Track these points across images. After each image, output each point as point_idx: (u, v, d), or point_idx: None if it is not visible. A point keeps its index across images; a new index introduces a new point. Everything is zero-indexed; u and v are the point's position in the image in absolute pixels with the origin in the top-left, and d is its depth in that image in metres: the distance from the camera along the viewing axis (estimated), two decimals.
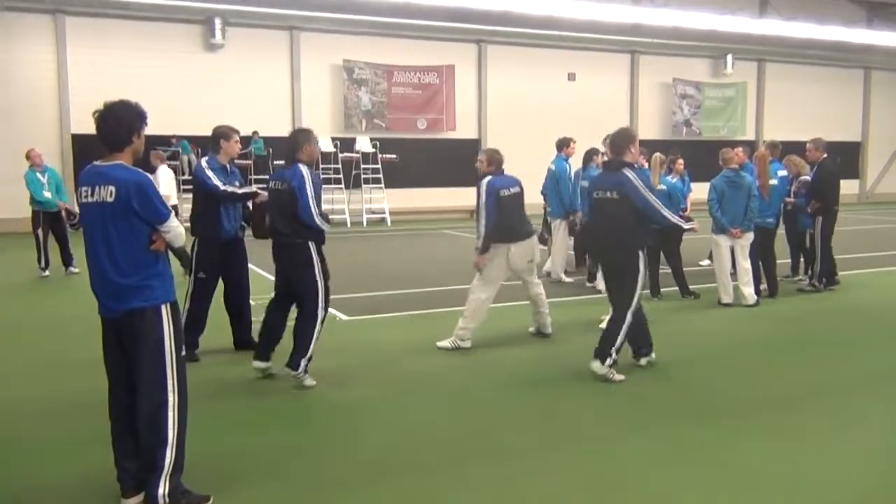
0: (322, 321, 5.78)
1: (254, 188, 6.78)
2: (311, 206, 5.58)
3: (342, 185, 21.17)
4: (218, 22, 19.79)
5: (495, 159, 6.84)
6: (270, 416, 5.22)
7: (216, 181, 6.31)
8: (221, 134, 6.47)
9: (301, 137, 5.80)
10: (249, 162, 20.28)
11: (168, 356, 3.72)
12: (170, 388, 3.72)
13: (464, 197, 23.86)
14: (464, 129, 23.40)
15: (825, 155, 9.37)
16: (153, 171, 11.35)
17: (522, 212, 6.92)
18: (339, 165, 21.16)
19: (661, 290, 9.19)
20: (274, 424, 5.04)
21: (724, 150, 8.86)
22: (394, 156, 21.78)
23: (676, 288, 9.30)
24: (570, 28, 22.85)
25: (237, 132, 6.56)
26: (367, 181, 21.54)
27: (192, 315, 6.44)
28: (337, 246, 15.86)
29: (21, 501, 3.89)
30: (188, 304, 6.46)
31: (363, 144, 21.54)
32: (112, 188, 3.59)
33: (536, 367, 6.32)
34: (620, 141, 5.91)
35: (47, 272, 11.48)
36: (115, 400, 3.80)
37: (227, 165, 6.52)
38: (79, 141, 18.52)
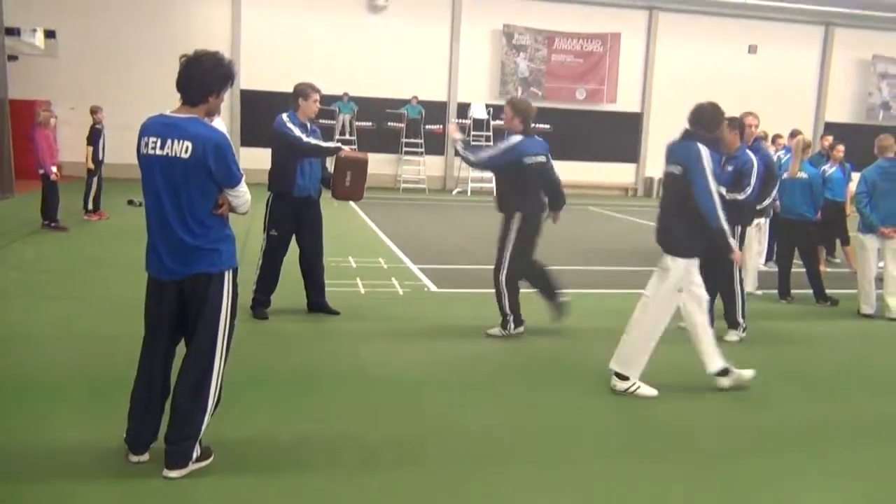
0: None
1: (337, 143, 6.59)
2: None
3: None
4: None
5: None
6: (306, 381, 5.07)
7: (298, 132, 6.19)
8: (300, 92, 6.30)
9: None
10: (402, 125, 20.52)
11: (223, 323, 3.60)
12: (218, 355, 3.60)
13: (619, 173, 22.88)
14: (625, 102, 22.25)
15: None
16: None
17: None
18: (491, 133, 20.83)
19: (793, 291, 8.13)
20: (305, 390, 4.88)
21: (882, 137, 7.60)
22: (547, 126, 21.09)
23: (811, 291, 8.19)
24: None
25: (317, 91, 6.34)
26: None
27: (263, 273, 6.42)
28: (468, 215, 15.69)
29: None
30: (260, 262, 6.45)
31: None
32: (188, 144, 3.38)
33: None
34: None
35: None
36: (150, 362, 3.65)
37: (308, 124, 6.38)
38: (247, 97, 19.48)
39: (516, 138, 6.06)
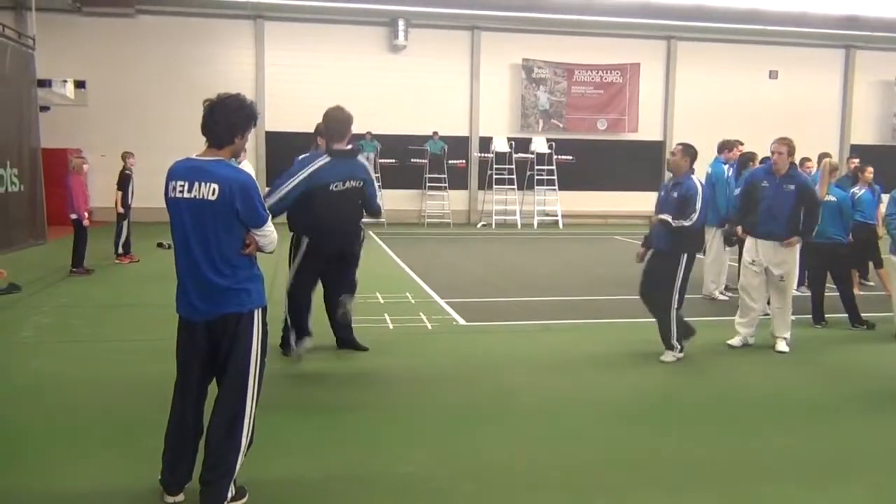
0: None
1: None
2: None
3: (514, 186, 20.95)
4: (401, 23, 20.33)
5: None
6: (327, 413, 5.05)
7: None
8: (320, 131, 6.31)
9: None
10: (425, 161, 20.64)
11: (254, 362, 3.62)
12: (250, 394, 3.61)
13: (643, 202, 22.75)
14: (647, 131, 22.27)
15: None
16: None
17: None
18: (513, 166, 20.93)
19: (827, 316, 8.00)
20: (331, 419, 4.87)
21: None
22: (570, 157, 21.18)
23: (846, 315, 8.05)
24: (775, 22, 21.11)
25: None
26: (540, 182, 21.11)
27: (292, 309, 6.40)
28: (493, 248, 15.67)
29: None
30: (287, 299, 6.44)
31: (539, 145, 21.14)
32: (215, 186, 3.43)
33: (630, 396, 5.67)
34: None
35: None
36: (182, 403, 3.67)
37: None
38: (271, 138, 19.77)
39: (320, 162, 5.58)
